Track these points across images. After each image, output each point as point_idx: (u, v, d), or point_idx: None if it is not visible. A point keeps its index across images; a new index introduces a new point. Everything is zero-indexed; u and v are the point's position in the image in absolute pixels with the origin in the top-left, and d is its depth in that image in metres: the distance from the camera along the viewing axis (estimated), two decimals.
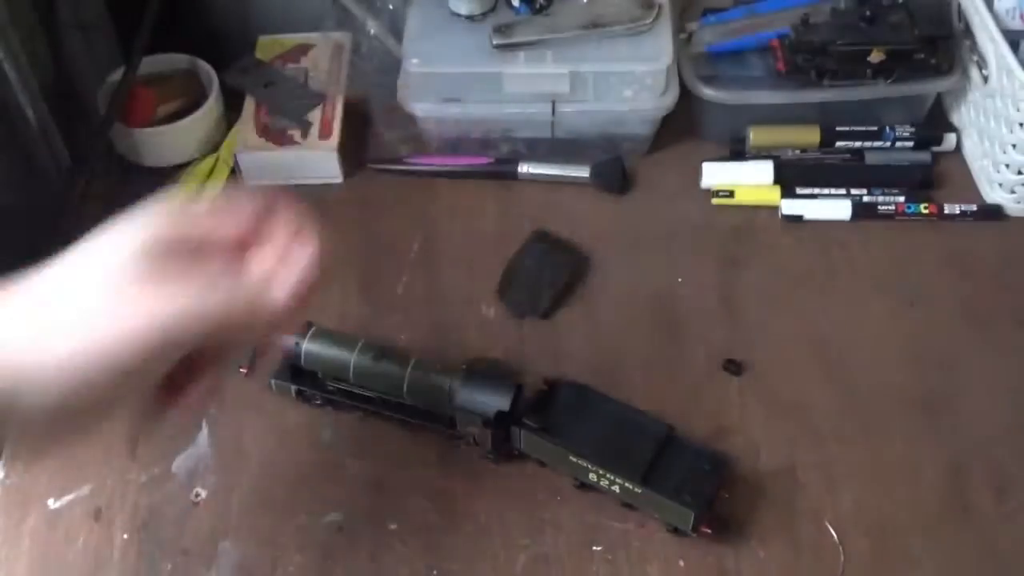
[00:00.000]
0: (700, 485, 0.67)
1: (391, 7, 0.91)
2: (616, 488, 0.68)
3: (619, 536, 0.69)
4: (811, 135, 0.92)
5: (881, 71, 0.88)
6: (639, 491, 0.67)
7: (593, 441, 0.68)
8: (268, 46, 0.99)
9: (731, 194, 0.89)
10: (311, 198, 0.94)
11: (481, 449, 0.71)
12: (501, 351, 0.79)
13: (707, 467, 0.68)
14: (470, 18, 0.89)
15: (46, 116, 0.87)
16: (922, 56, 0.87)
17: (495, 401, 0.68)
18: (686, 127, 0.94)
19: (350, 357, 0.71)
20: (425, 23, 0.89)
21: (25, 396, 0.43)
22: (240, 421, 0.76)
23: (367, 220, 0.90)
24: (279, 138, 0.92)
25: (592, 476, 0.68)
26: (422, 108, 0.88)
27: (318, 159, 0.92)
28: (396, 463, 0.73)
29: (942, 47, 0.88)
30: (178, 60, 0.96)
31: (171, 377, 0.49)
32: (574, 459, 0.68)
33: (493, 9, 0.89)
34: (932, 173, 0.91)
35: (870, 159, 0.92)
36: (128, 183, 0.93)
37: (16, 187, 0.87)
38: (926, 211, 0.87)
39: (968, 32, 0.88)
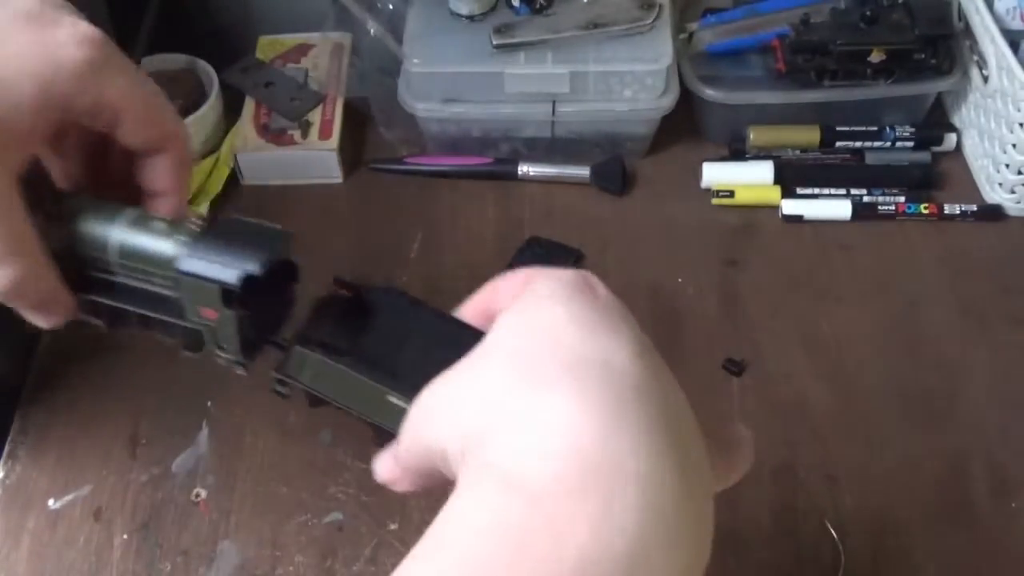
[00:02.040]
0: None
1: (391, 7, 0.91)
2: None
3: None
4: (811, 135, 0.92)
5: (881, 71, 0.88)
6: None
7: (416, 369, 0.42)
8: (268, 46, 0.99)
9: (731, 194, 0.89)
10: (311, 198, 0.96)
11: (227, 357, 0.48)
12: None
13: None
14: (470, 18, 0.89)
15: None
16: (922, 56, 0.87)
17: (236, 265, 0.43)
18: (686, 127, 0.94)
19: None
20: (425, 23, 0.89)
21: None
22: (240, 421, 0.76)
23: (367, 220, 0.90)
24: (279, 138, 0.92)
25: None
26: (422, 108, 0.88)
27: (318, 159, 0.92)
28: None
29: (942, 47, 0.88)
30: (178, 60, 0.96)
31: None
32: (396, 399, 0.44)
33: (493, 9, 0.89)
34: (932, 173, 0.91)
35: (870, 159, 0.92)
36: None
37: None
38: (926, 211, 0.87)
39: (968, 32, 0.88)
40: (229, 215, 0.45)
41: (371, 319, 0.46)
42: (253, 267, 0.43)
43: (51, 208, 0.46)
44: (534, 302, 0.36)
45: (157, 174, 0.48)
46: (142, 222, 0.46)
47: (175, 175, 0.48)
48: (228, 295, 0.44)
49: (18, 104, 0.42)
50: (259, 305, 0.46)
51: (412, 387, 0.40)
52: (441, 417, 0.36)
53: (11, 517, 0.72)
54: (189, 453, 0.75)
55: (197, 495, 0.73)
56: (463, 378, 0.36)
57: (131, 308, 0.48)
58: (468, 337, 0.41)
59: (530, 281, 0.38)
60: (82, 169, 0.50)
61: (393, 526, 0.70)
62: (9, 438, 0.76)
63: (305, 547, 0.70)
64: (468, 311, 0.43)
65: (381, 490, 0.72)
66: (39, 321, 0.47)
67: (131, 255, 0.46)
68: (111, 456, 0.75)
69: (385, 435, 0.44)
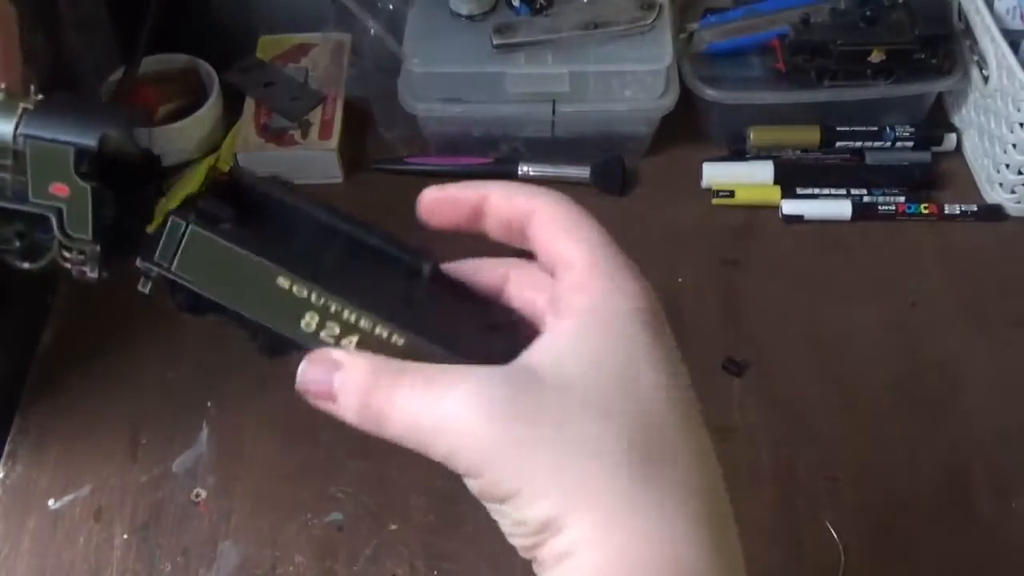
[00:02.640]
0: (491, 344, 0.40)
1: (391, 7, 0.91)
2: (352, 339, 0.39)
3: None
4: (811, 135, 0.92)
5: (881, 71, 0.88)
6: (401, 343, 0.39)
7: (312, 259, 0.40)
8: (268, 46, 0.99)
9: (731, 194, 0.89)
10: None
11: (76, 251, 0.41)
12: None
13: (497, 322, 0.43)
14: (470, 18, 0.89)
15: None
16: (922, 56, 0.87)
17: (92, 126, 0.39)
18: (686, 127, 0.94)
19: None
20: (425, 23, 0.89)
21: None
22: (240, 421, 0.76)
23: (367, 220, 0.90)
24: (279, 138, 0.92)
25: (313, 320, 0.39)
26: (422, 108, 0.88)
27: (318, 159, 0.91)
28: (396, 463, 0.73)
29: (942, 47, 0.88)
30: (178, 60, 0.96)
31: None
32: (288, 282, 0.39)
33: (493, 9, 0.89)
34: (932, 173, 0.91)
35: (870, 159, 0.92)
36: None
37: None
38: (926, 211, 0.87)
39: (968, 32, 0.88)
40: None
41: (261, 210, 0.41)
42: (112, 127, 0.39)
43: None
44: (624, 332, 0.35)
45: None
46: None
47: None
48: (82, 158, 0.39)
49: None
50: (117, 198, 0.40)
51: (333, 286, 0.39)
52: (543, 478, 0.32)
53: (11, 517, 0.72)
54: (189, 453, 0.75)
55: (197, 495, 0.73)
56: (570, 443, 0.32)
57: None
58: (407, 255, 0.44)
59: (595, 261, 0.38)
60: None
61: (393, 526, 0.70)
62: (9, 438, 0.76)
63: (305, 547, 0.70)
64: (493, 213, 0.42)
65: (381, 490, 0.72)
66: None
67: None
68: (111, 456, 0.75)
69: (283, 343, 0.41)
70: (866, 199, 0.89)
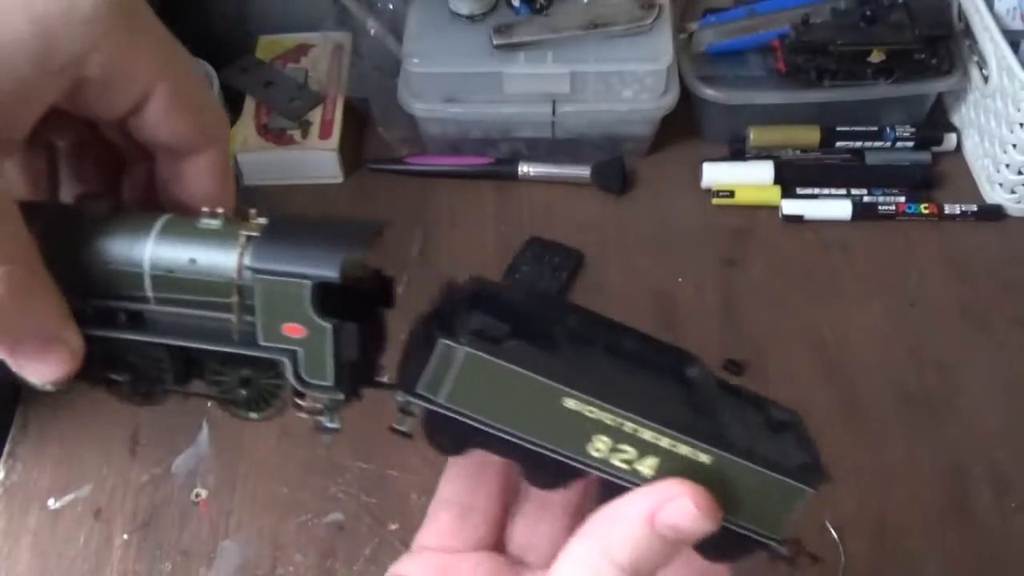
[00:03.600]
0: (790, 448, 0.39)
1: (391, 7, 0.91)
2: (648, 462, 0.35)
3: None
4: (811, 135, 0.92)
5: (881, 71, 0.88)
6: (707, 460, 0.35)
7: (590, 373, 0.35)
8: (268, 46, 0.99)
9: (731, 194, 0.89)
10: (311, 198, 0.95)
11: (316, 397, 0.36)
12: None
13: (781, 420, 0.42)
14: (470, 18, 0.89)
15: None
16: (922, 56, 0.87)
17: (328, 256, 0.33)
18: (686, 127, 0.94)
19: None
20: (425, 23, 0.89)
21: None
22: (240, 421, 0.76)
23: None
24: (279, 138, 0.92)
25: (603, 442, 0.34)
26: (422, 108, 0.88)
27: (318, 159, 0.91)
28: (396, 463, 0.73)
29: (942, 47, 0.88)
30: None
31: None
32: (577, 403, 0.34)
33: (493, 9, 0.89)
34: (932, 173, 0.91)
35: (870, 159, 0.92)
36: None
37: None
38: (926, 211, 0.87)
39: (968, 32, 0.88)
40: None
41: (514, 322, 0.35)
42: (353, 251, 0.34)
43: (51, 215, 0.35)
44: None
45: (193, 182, 0.37)
46: (185, 226, 0.35)
47: (218, 181, 0.37)
48: (320, 295, 0.33)
49: (11, 54, 0.30)
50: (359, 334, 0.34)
51: (623, 403, 0.34)
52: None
53: (11, 517, 0.72)
54: (189, 453, 0.75)
55: (197, 495, 0.73)
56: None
57: (173, 342, 0.36)
58: (667, 357, 0.39)
59: None
60: (79, 177, 0.38)
61: (393, 526, 0.70)
62: (9, 438, 0.76)
63: (305, 547, 0.70)
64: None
65: (381, 490, 0.72)
66: (32, 370, 0.34)
67: (174, 268, 0.34)
68: (111, 456, 0.75)
69: (566, 473, 0.35)
70: (866, 199, 0.89)
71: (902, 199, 0.88)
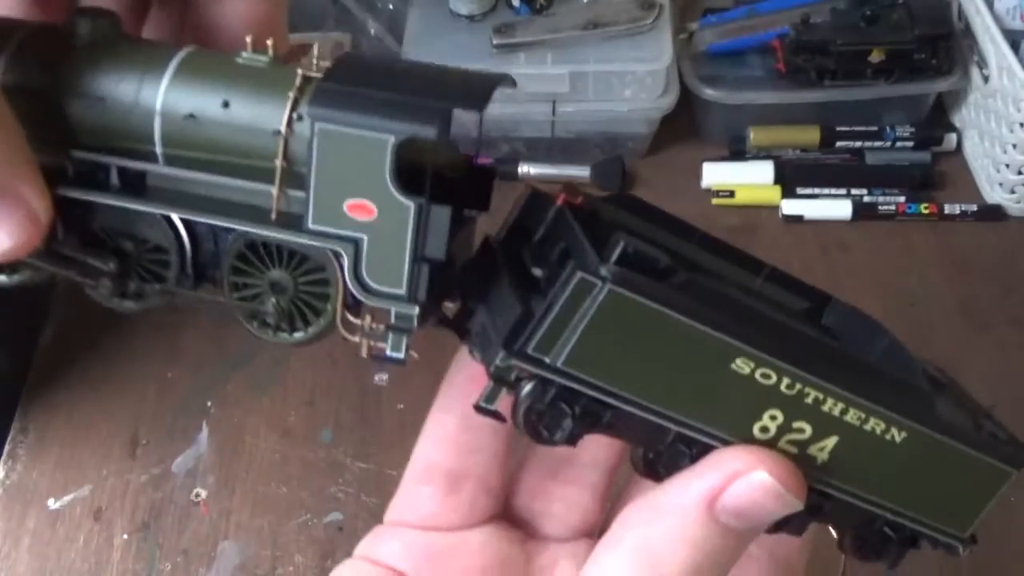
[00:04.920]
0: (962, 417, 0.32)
1: (391, 7, 0.91)
2: (824, 446, 0.27)
3: None
4: (811, 135, 0.92)
5: (881, 71, 0.88)
6: (900, 439, 0.27)
7: (764, 325, 0.26)
8: None
9: (731, 194, 0.89)
10: None
11: (387, 309, 0.26)
12: None
13: (937, 380, 0.34)
14: (470, 18, 0.89)
15: None
16: (922, 56, 0.87)
17: (422, 109, 0.25)
18: (686, 127, 0.94)
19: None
20: (425, 23, 0.89)
21: None
22: (240, 421, 0.76)
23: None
24: None
25: (774, 419, 0.26)
26: None
27: None
28: (396, 463, 0.73)
29: (942, 47, 0.88)
30: None
31: None
32: (750, 365, 0.25)
33: (493, 9, 0.89)
34: (932, 173, 0.91)
35: (870, 159, 0.92)
36: None
37: None
38: (926, 211, 0.87)
39: (968, 32, 0.88)
40: None
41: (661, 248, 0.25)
42: (467, 103, 0.25)
43: (29, 35, 0.26)
44: None
45: (236, 7, 0.29)
46: (217, 60, 0.25)
47: (269, 3, 0.29)
48: (409, 162, 0.23)
49: None
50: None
51: (806, 364, 0.25)
52: None
53: (11, 517, 0.72)
54: (189, 453, 0.75)
55: (197, 495, 0.73)
56: None
57: (184, 215, 0.26)
58: (801, 297, 0.29)
59: None
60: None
61: None
62: (9, 438, 0.76)
63: (305, 547, 0.70)
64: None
65: (381, 490, 0.72)
66: None
67: (198, 114, 0.24)
68: (111, 456, 0.75)
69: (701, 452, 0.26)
70: (866, 199, 0.88)
71: (902, 199, 0.88)
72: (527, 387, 0.25)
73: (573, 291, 0.23)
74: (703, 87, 0.89)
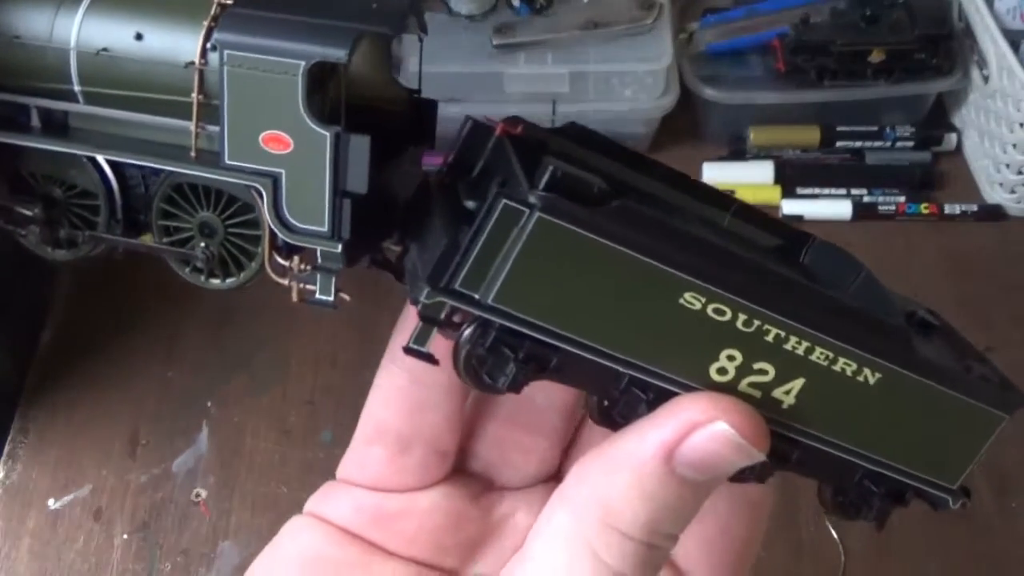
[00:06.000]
0: (948, 358, 0.31)
1: None
2: (790, 388, 0.25)
3: None
4: (811, 135, 0.92)
5: (881, 71, 0.88)
6: (873, 380, 0.26)
7: (716, 256, 0.24)
8: None
9: (731, 194, 0.89)
10: None
11: (306, 243, 0.25)
12: None
13: (924, 320, 0.35)
14: (470, 18, 0.89)
15: None
16: (922, 56, 0.87)
17: (332, 31, 0.22)
18: (686, 127, 0.94)
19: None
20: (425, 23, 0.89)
21: None
22: (240, 421, 0.76)
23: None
24: None
25: (732, 360, 0.24)
26: None
27: None
28: None
29: (942, 47, 0.88)
30: None
31: None
32: (700, 299, 0.23)
33: (493, 9, 0.89)
34: (932, 173, 0.91)
35: (870, 159, 0.92)
36: None
37: None
38: (926, 211, 0.87)
39: (968, 32, 0.88)
40: None
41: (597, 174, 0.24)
42: (378, 27, 0.23)
43: None
44: None
45: None
46: None
47: None
48: (319, 84, 0.22)
49: None
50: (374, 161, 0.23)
51: (758, 298, 0.23)
52: None
53: (11, 517, 0.72)
54: (189, 453, 0.75)
55: (197, 495, 0.73)
56: None
57: (104, 156, 0.25)
58: (774, 235, 0.27)
59: None
60: None
61: None
62: (9, 438, 0.76)
63: None
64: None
65: None
66: None
67: (112, 47, 0.24)
68: (111, 456, 0.75)
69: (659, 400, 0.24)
70: (866, 199, 0.89)
71: (902, 199, 0.88)
72: (467, 331, 0.23)
73: (498, 219, 0.22)
74: (703, 87, 0.89)
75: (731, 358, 0.23)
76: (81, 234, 0.26)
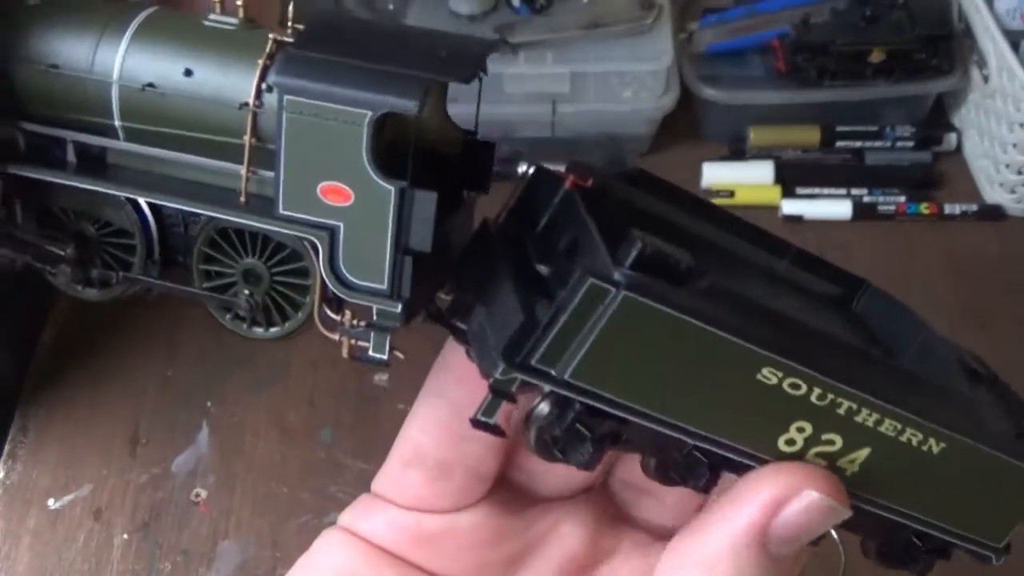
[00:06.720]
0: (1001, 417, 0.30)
1: (391, 7, 0.91)
2: (855, 458, 0.25)
3: None
4: (811, 135, 0.92)
5: (881, 71, 0.88)
6: (938, 449, 0.25)
7: (793, 326, 0.25)
8: None
9: (731, 194, 0.89)
10: None
11: (363, 303, 0.24)
12: None
13: (972, 369, 0.34)
14: (470, 18, 0.89)
15: None
16: (922, 56, 0.87)
17: (401, 81, 0.21)
18: (686, 127, 0.94)
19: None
20: (425, 23, 0.89)
21: None
22: (240, 421, 0.76)
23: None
24: None
25: (802, 431, 0.24)
26: None
27: None
28: None
29: (942, 47, 0.88)
30: None
31: None
32: (777, 375, 0.23)
33: (493, 9, 0.89)
34: (932, 173, 0.91)
35: (870, 159, 0.92)
36: None
37: None
38: (926, 211, 0.87)
39: (968, 32, 0.88)
40: None
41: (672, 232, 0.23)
42: (449, 78, 0.22)
43: None
44: None
45: None
46: (181, 21, 0.22)
47: None
48: (382, 150, 0.21)
49: None
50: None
51: (836, 372, 0.22)
52: None
53: (11, 517, 0.72)
54: (189, 453, 0.75)
55: (197, 495, 0.73)
56: None
57: (145, 198, 0.23)
58: (828, 281, 0.26)
59: None
60: None
61: None
62: (9, 438, 0.76)
63: (305, 547, 0.69)
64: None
65: None
66: None
67: (158, 83, 0.22)
68: (111, 456, 0.75)
69: (724, 468, 0.24)
70: (866, 199, 0.89)
71: (902, 199, 0.88)
72: (543, 408, 0.22)
73: (583, 298, 0.21)
74: (703, 87, 0.89)
75: (800, 430, 0.23)
76: (115, 275, 0.25)
